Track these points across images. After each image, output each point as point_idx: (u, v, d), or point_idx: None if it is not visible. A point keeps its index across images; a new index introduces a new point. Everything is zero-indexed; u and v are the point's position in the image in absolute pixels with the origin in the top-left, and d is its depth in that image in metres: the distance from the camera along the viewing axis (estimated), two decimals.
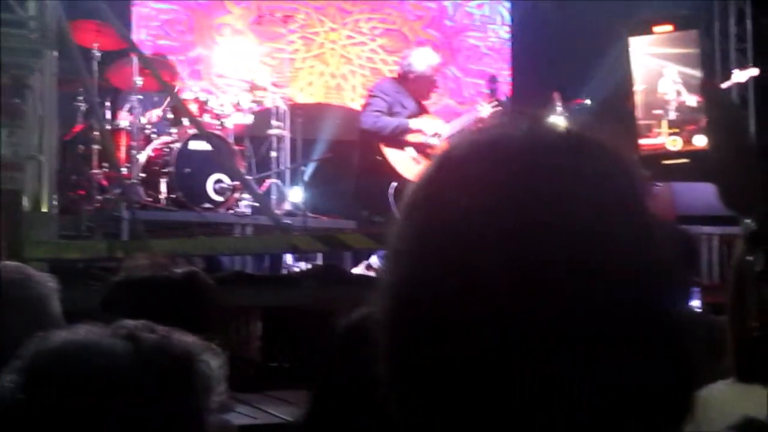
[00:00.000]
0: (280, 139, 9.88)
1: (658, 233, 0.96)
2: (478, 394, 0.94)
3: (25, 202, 6.80)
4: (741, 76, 9.77)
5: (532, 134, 0.99)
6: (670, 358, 0.95)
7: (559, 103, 9.47)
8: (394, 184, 8.51)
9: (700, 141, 2.09)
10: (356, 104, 11.35)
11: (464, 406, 0.95)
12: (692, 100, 2.09)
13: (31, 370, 1.47)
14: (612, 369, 0.93)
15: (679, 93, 2.10)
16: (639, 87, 2.13)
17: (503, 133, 0.99)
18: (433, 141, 8.74)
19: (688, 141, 2.09)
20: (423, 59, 8.97)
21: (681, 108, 2.10)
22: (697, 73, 2.08)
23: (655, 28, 2.12)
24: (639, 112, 2.13)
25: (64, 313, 3.09)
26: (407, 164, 8.65)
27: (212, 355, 1.54)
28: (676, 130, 2.08)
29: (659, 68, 2.10)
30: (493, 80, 10.40)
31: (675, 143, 2.07)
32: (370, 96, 8.91)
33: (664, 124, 2.10)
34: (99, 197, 8.86)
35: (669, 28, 2.11)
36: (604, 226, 0.95)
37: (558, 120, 1.02)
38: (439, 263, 0.95)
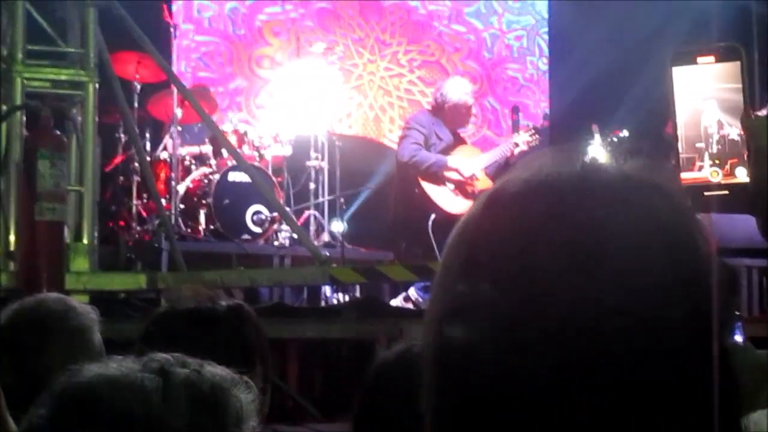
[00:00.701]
0: (318, 170, 9.90)
1: (709, 270, 0.96)
2: None
3: (66, 233, 6.84)
4: None
5: (585, 173, 0.99)
6: (721, 390, 0.94)
7: (597, 135, 9.45)
8: (433, 216, 8.51)
9: (742, 173, 2.08)
10: (394, 135, 11.37)
11: None
12: (734, 133, 2.08)
13: (59, 404, 1.46)
14: (662, 407, 0.93)
15: (720, 126, 2.09)
16: (681, 120, 2.12)
17: (556, 171, 0.99)
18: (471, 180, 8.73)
19: (729, 173, 2.08)
20: (457, 88, 8.96)
21: (722, 141, 2.09)
22: (738, 105, 2.07)
23: (699, 59, 2.12)
24: (681, 146, 2.12)
25: (105, 344, 3.11)
26: (445, 197, 8.64)
27: (245, 388, 1.53)
28: (722, 162, 2.07)
29: (702, 101, 2.10)
30: (515, 111, 10.40)
31: (716, 175, 2.07)
32: (407, 128, 8.90)
33: (706, 157, 2.09)
34: (139, 228, 8.91)
35: (711, 59, 2.10)
36: (657, 266, 0.95)
37: (599, 152, 1.03)
38: (494, 301, 0.95)
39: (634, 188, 0.99)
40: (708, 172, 2.10)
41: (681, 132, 2.13)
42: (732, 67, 2.11)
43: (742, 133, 2.08)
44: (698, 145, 2.11)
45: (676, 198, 1.00)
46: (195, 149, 9.41)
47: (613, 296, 0.93)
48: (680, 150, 2.12)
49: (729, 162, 2.09)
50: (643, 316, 0.93)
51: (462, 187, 8.68)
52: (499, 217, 0.99)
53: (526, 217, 0.97)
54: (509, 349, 0.94)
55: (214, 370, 1.50)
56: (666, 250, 0.95)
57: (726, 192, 2.09)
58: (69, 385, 1.47)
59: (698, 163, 2.12)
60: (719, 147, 2.10)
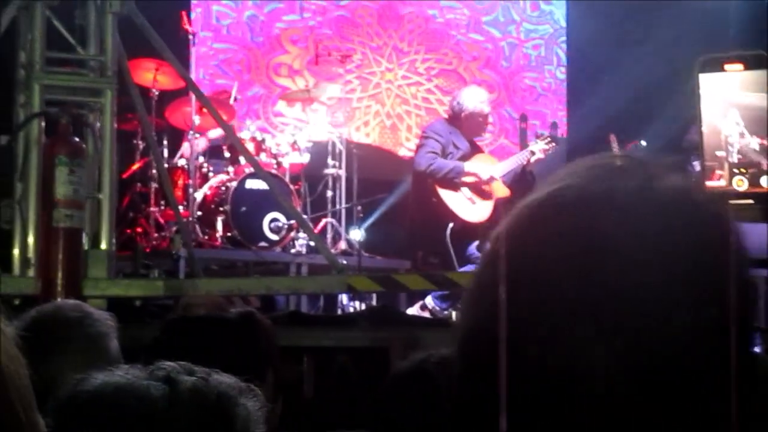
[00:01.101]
0: (336, 178, 9.91)
1: (739, 284, 0.96)
2: None
3: (84, 240, 6.85)
4: None
5: (644, 187, 0.98)
6: (748, 401, 0.94)
7: (615, 145, 9.45)
8: (450, 224, 8.51)
9: (766, 182, 2.07)
10: (411, 144, 11.38)
11: None
12: (755, 143, 2.07)
13: (64, 412, 1.47)
14: (694, 415, 0.93)
15: (742, 135, 2.08)
16: (704, 128, 2.12)
17: (611, 186, 0.98)
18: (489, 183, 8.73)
19: (754, 182, 2.07)
20: (473, 97, 8.96)
21: (743, 151, 2.08)
22: (762, 114, 2.06)
23: (726, 66, 2.11)
24: (702, 155, 2.11)
25: (122, 351, 3.11)
26: (463, 205, 8.64)
27: (252, 397, 1.53)
28: (744, 171, 2.06)
29: (723, 109, 2.09)
30: (523, 119, 10.39)
31: (741, 183, 2.05)
32: (424, 137, 8.90)
33: (726, 166, 2.08)
34: (156, 235, 8.93)
35: (740, 66, 2.09)
36: (704, 279, 0.95)
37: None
38: (525, 314, 0.95)
39: (689, 201, 0.98)
40: (734, 181, 2.09)
41: (701, 140, 2.12)
42: (758, 76, 2.11)
43: (763, 143, 2.07)
44: (719, 153, 2.10)
45: (714, 209, 1.00)
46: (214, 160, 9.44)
47: (642, 312, 0.93)
48: (701, 158, 2.11)
49: (749, 171, 2.08)
50: (672, 327, 0.93)
51: (479, 193, 8.67)
52: (542, 230, 0.99)
53: (554, 231, 0.97)
54: (542, 358, 0.94)
55: (221, 378, 1.49)
56: (716, 261, 0.95)
57: (751, 201, 2.09)
58: (75, 392, 1.48)
59: (718, 172, 2.11)
60: (740, 157, 2.09)
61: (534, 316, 0.94)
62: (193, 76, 9.09)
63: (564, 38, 13.16)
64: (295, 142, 9.54)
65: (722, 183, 2.10)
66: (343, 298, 9.09)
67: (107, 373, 1.48)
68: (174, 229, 8.82)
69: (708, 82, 2.11)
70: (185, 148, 9.38)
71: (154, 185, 9.03)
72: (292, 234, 9.16)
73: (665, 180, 1.00)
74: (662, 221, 0.97)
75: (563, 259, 0.95)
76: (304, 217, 8.97)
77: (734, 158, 2.10)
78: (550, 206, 0.99)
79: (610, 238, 0.95)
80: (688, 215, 0.98)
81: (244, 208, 8.97)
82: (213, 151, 9.52)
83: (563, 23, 13.16)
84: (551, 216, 0.99)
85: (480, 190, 8.69)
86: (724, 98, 2.10)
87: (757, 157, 2.08)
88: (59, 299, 3.30)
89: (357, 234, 9.69)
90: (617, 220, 0.96)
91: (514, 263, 0.98)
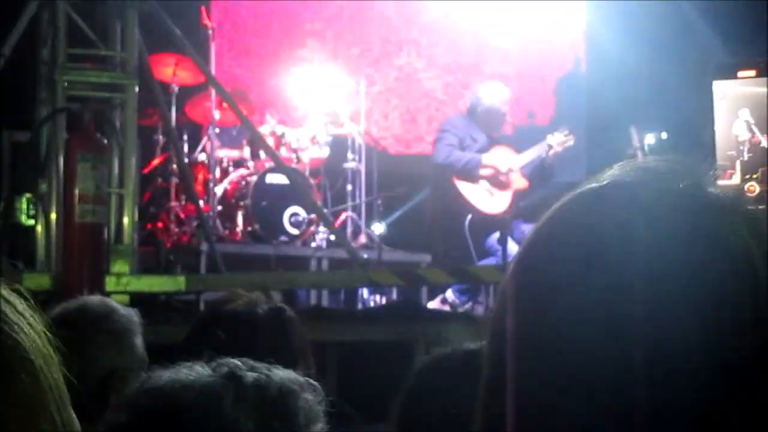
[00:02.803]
0: (355, 172, 9.92)
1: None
2: None
3: (107, 235, 6.89)
4: None
5: (692, 195, 0.99)
6: None
7: (635, 137, 9.44)
8: (469, 216, 8.51)
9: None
10: (430, 137, 11.39)
11: None
12: (765, 141, 2.08)
13: (135, 409, 1.49)
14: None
15: (752, 133, 2.08)
16: (717, 129, 2.13)
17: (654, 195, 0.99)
18: (507, 175, 8.74)
19: (764, 183, 2.07)
20: (492, 93, 8.97)
21: (754, 149, 2.09)
22: None
23: (740, 73, 2.12)
24: (714, 154, 2.12)
25: (146, 346, 3.13)
26: (481, 197, 8.65)
27: (312, 391, 1.55)
28: (756, 175, 2.06)
29: (734, 110, 2.10)
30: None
31: (753, 189, 2.06)
32: (442, 131, 8.92)
33: (738, 165, 2.09)
34: (177, 230, 8.96)
35: (752, 73, 2.10)
36: (742, 288, 0.94)
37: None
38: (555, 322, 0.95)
39: (732, 212, 0.98)
40: (745, 186, 2.09)
41: (717, 141, 2.13)
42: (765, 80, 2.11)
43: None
44: (729, 153, 2.10)
45: (747, 217, 0.99)
46: (234, 153, 9.45)
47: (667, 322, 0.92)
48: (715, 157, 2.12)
49: (760, 170, 2.09)
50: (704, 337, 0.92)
51: (498, 184, 8.68)
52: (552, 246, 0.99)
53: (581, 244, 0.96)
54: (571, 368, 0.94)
55: (282, 373, 1.52)
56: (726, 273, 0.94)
57: (763, 207, 2.09)
58: (144, 390, 1.50)
59: (729, 172, 2.12)
60: (750, 155, 2.09)
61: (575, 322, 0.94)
62: (212, 71, 9.10)
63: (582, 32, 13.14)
64: (314, 136, 9.55)
65: (733, 182, 2.11)
66: (364, 291, 9.10)
67: (171, 371, 1.51)
68: (195, 224, 8.84)
69: (720, 86, 2.12)
70: (206, 143, 9.41)
71: (174, 180, 9.06)
72: (312, 228, 9.17)
73: (714, 188, 0.99)
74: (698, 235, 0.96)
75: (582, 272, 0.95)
76: (325, 211, 8.99)
77: (745, 157, 2.10)
78: (590, 213, 0.99)
79: (632, 247, 0.94)
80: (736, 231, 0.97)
81: (264, 203, 8.99)
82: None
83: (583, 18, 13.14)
84: (593, 222, 0.98)
85: (498, 181, 8.70)
86: (733, 100, 2.11)
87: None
88: (84, 295, 3.31)
89: (379, 228, 9.69)
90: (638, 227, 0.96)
91: (555, 266, 0.98)
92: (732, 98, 2.11)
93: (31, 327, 1.16)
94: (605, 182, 1.00)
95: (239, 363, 1.51)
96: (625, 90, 11.91)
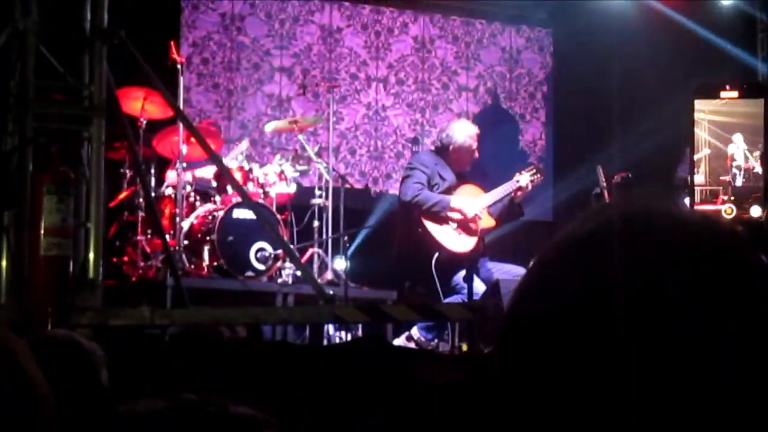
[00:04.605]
0: (322, 208, 9.93)
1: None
2: None
3: (72, 269, 6.85)
4: None
5: (709, 224, 1.01)
6: None
7: (602, 177, 9.50)
8: (436, 254, 8.53)
9: (756, 211, 2.10)
10: (397, 174, 11.43)
11: None
12: (759, 167, 2.10)
13: None
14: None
15: (747, 159, 2.11)
16: (704, 152, 2.15)
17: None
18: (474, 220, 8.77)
19: (744, 210, 2.10)
20: (461, 131, 9.01)
21: (749, 175, 2.11)
22: (760, 142, 2.10)
23: (722, 93, 2.14)
24: (704, 178, 2.14)
25: (111, 380, 3.12)
26: (449, 236, 8.66)
27: (268, 424, 1.56)
28: (740, 196, 2.09)
29: (728, 134, 2.12)
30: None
31: (730, 211, 2.08)
32: (410, 168, 8.94)
33: (730, 191, 2.11)
34: (143, 264, 8.93)
35: (735, 94, 2.13)
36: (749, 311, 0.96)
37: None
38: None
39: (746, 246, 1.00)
40: (722, 208, 2.11)
41: (704, 165, 2.15)
42: (755, 104, 2.14)
43: (762, 172, 2.10)
44: (723, 178, 2.12)
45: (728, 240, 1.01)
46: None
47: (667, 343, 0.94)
48: (704, 182, 2.14)
49: (754, 196, 2.11)
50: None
51: (465, 226, 8.70)
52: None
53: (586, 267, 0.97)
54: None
55: (238, 408, 1.52)
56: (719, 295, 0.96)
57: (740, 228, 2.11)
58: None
59: (722, 197, 2.14)
60: (744, 180, 2.12)
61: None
62: (181, 105, 9.09)
63: (549, 68, 13.23)
64: (282, 172, 9.56)
65: (718, 207, 2.13)
66: (330, 328, 9.09)
67: (131, 407, 1.51)
68: (161, 258, 8.81)
69: (703, 108, 2.15)
70: (170, 176, 9.39)
71: (141, 214, 9.03)
72: (279, 264, 9.16)
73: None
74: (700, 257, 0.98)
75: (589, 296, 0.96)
76: (291, 246, 8.98)
77: (739, 182, 2.13)
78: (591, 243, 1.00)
79: (635, 271, 0.95)
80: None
81: (231, 238, 8.98)
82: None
83: (549, 54, 13.23)
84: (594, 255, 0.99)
85: (466, 223, 8.72)
86: (725, 123, 2.14)
87: (761, 182, 2.11)
88: (48, 328, 3.30)
89: (341, 263, 9.70)
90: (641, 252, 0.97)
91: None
92: (724, 122, 2.14)
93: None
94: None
95: (195, 397, 1.51)
96: (592, 125, 12.01)
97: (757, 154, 1.94)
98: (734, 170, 1.94)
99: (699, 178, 2.06)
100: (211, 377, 2.55)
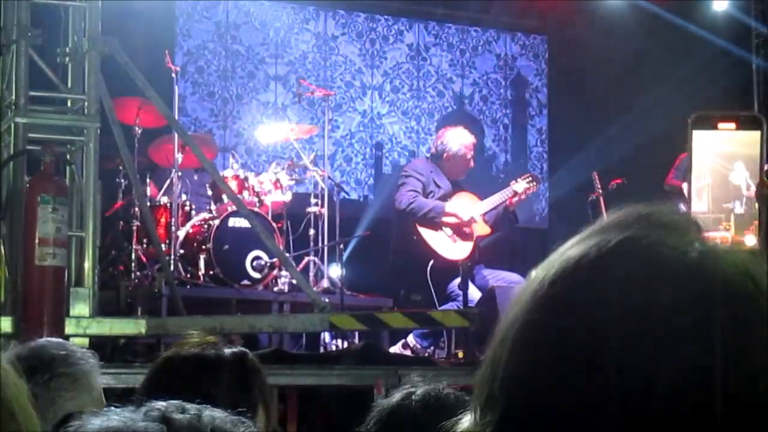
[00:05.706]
0: (318, 216, 9.92)
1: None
2: None
3: (67, 278, 6.85)
4: None
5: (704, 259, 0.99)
6: None
7: (598, 183, 9.50)
8: (431, 262, 8.53)
9: (751, 241, 2.10)
10: (392, 182, 11.44)
11: None
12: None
13: None
14: None
15: (749, 187, 2.12)
16: (705, 181, 2.15)
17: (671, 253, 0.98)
18: (469, 224, 8.77)
19: (738, 239, 2.10)
20: (457, 139, 9.02)
21: (750, 202, 2.12)
22: (758, 173, 2.10)
23: (720, 125, 2.15)
24: (708, 206, 2.14)
25: (105, 389, 3.12)
26: (444, 244, 8.67)
27: (244, 428, 1.54)
28: (740, 228, 2.09)
29: (728, 164, 2.13)
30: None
31: (724, 240, 2.08)
32: (405, 176, 8.94)
33: (732, 218, 2.12)
34: (139, 273, 8.92)
35: (732, 125, 2.13)
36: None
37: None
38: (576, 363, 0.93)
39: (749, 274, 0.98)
40: (714, 235, 2.12)
41: (706, 193, 2.16)
42: (752, 136, 2.15)
43: (757, 203, 2.11)
44: (726, 205, 2.13)
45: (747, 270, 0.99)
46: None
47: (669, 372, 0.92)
48: (707, 210, 2.15)
49: (754, 223, 2.12)
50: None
51: (460, 232, 8.71)
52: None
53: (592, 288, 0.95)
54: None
55: (213, 413, 1.51)
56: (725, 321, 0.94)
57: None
58: None
59: (725, 224, 2.14)
60: (746, 208, 2.12)
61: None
62: (175, 113, 9.10)
63: (544, 75, 13.24)
64: (277, 181, 9.55)
65: (722, 235, 2.14)
66: (326, 336, 9.08)
67: (102, 416, 1.50)
68: (156, 267, 8.80)
69: (702, 138, 2.16)
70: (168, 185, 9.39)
71: (136, 223, 9.02)
72: (275, 272, 9.15)
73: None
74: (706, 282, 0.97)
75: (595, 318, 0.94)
76: (287, 255, 8.97)
77: (740, 210, 2.14)
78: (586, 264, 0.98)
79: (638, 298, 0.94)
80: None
81: (226, 246, 8.97)
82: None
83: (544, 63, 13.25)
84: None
85: (461, 230, 8.72)
86: (725, 153, 2.15)
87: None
88: (43, 337, 3.29)
89: (336, 270, 9.69)
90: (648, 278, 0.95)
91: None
92: (725, 154, 2.14)
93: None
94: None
95: (169, 405, 1.50)
96: (587, 134, 12.01)
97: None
98: (736, 199, 1.98)
99: (702, 206, 2.08)
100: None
